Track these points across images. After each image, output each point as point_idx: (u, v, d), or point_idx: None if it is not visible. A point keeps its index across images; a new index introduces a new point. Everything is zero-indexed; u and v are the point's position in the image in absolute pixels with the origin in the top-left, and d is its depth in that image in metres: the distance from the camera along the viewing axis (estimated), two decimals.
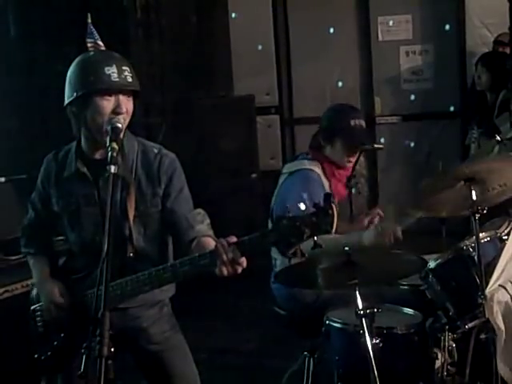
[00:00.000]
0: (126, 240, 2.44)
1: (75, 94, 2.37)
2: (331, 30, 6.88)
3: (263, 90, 6.93)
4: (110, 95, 2.34)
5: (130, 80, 2.38)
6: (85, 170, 2.46)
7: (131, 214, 2.43)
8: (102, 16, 5.79)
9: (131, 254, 2.45)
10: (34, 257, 2.68)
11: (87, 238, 2.50)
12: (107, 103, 2.34)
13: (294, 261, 3.19)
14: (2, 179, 4.71)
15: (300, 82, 6.99)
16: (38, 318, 2.63)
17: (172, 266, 2.29)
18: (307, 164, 3.34)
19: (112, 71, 2.33)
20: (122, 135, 2.33)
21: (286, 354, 4.01)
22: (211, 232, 2.47)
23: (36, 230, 2.69)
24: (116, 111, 2.34)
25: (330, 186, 3.35)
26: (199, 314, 5.10)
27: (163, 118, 5.95)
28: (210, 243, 2.31)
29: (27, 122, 5.21)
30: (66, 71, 2.46)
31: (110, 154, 2.14)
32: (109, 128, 2.26)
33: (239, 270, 2.12)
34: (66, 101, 2.42)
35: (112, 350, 1.83)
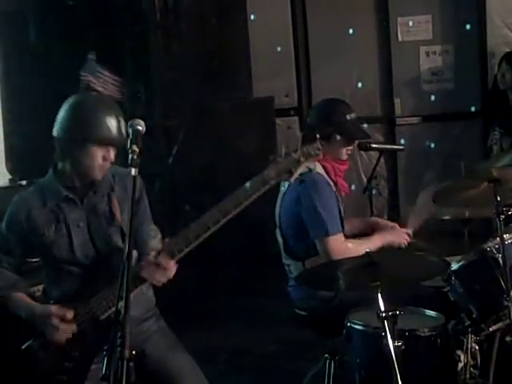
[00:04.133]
0: (116, 248, 2.61)
1: (71, 134, 2.55)
2: (350, 31, 6.84)
3: (282, 92, 6.92)
4: (106, 146, 2.55)
5: (123, 134, 2.53)
6: (72, 195, 2.62)
7: (119, 221, 2.63)
8: (122, 19, 5.83)
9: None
10: (11, 294, 2.63)
11: (80, 257, 2.61)
12: (100, 152, 2.55)
13: (308, 263, 3.25)
14: (24, 182, 4.74)
15: (319, 84, 6.96)
16: (40, 353, 2.55)
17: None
18: (308, 166, 3.31)
19: (111, 123, 2.53)
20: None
21: (307, 356, 4.00)
22: (160, 246, 2.55)
23: (7, 274, 2.67)
24: (105, 158, 2.56)
25: (336, 184, 3.35)
26: (220, 316, 5.10)
27: (182, 121, 5.95)
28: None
29: (47, 125, 5.23)
30: None
31: (130, 156, 2.15)
32: (130, 130, 2.26)
33: (168, 273, 2.42)
34: (58, 134, 2.59)
35: (133, 352, 1.84)
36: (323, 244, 3.21)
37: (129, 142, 2.21)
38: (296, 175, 2.47)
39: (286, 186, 3.38)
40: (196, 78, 6.14)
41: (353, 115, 3.38)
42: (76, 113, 2.57)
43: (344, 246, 3.18)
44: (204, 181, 5.67)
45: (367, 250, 2.58)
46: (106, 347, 1.92)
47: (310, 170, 3.28)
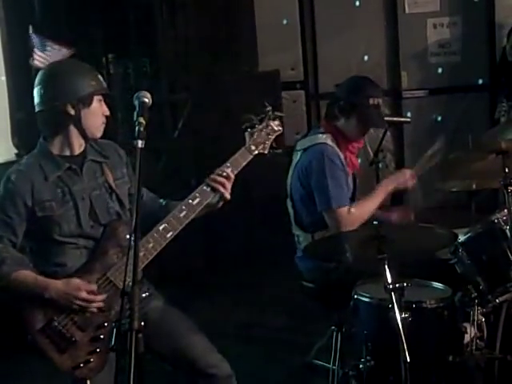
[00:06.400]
0: (117, 216, 2.68)
1: (71, 98, 2.57)
2: (357, 3, 6.77)
3: (288, 65, 6.87)
4: (102, 96, 2.66)
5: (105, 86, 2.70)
6: (73, 165, 2.64)
7: (114, 189, 2.70)
8: None
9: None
10: (20, 272, 2.54)
11: (87, 229, 2.62)
12: (100, 107, 2.65)
13: (317, 235, 3.26)
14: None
15: (325, 57, 6.91)
16: (64, 328, 2.51)
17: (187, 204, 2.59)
18: (320, 138, 3.33)
19: (98, 75, 2.68)
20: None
21: (314, 328, 4.02)
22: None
23: (12, 251, 2.60)
24: (104, 112, 2.67)
25: (345, 158, 3.35)
26: (227, 288, 5.13)
27: (188, 94, 5.93)
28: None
29: None
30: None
31: (137, 128, 2.13)
32: (136, 103, 2.25)
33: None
34: (48, 105, 2.59)
35: (142, 323, 1.84)
36: (330, 216, 3.22)
37: (135, 114, 2.20)
38: (267, 147, 2.79)
39: (299, 156, 3.38)
40: (202, 51, 6.11)
41: (377, 100, 3.33)
42: (62, 78, 2.60)
43: (350, 217, 3.17)
44: (210, 155, 5.66)
45: (375, 222, 2.59)
46: (114, 319, 1.93)
47: (322, 142, 3.28)
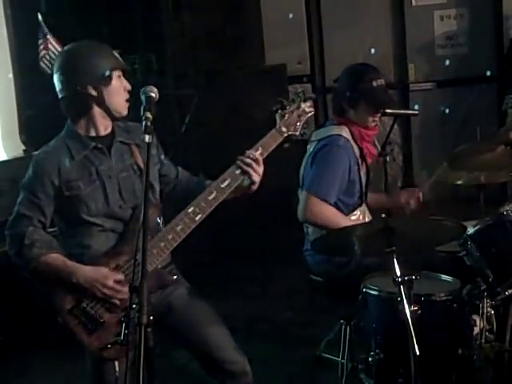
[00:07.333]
0: (150, 199, 2.60)
1: (90, 79, 2.56)
2: None
3: (295, 59, 6.87)
4: (121, 71, 2.63)
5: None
6: (100, 145, 2.62)
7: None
8: None
9: (158, 219, 2.62)
10: (49, 256, 2.53)
11: (115, 209, 2.60)
12: (121, 82, 2.62)
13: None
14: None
15: (332, 50, 6.90)
16: (92, 309, 2.51)
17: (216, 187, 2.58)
18: (335, 130, 3.33)
19: (112, 51, 2.66)
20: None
21: (322, 322, 4.02)
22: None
23: (42, 233, 2.59)
24: (125, 87, 2.63)
25: (362, 150, 3.34)
26: (237, 283, 5.14)
27: (195, 89, 5.93)
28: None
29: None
30: None
31: (144, 123, 2.14)
32: (143, 97, 2.25)
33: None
34: (70, 90, 2.59)
35: (151, 318, 1.85)
36: (303, 197, 3.24)
37: (142, 108, 2.20)
38: (299, 128, 2.75)
39: (313, 146, 3.37)
40: (208, 46, 6.10)
41: (380, 81, 3.34)
42: (79, 61, 2.59)
43: (315, 208, 3.19)
44: (217, 149, 5.66)
45: (383, 215, 2.58)
46: (123, 313, 1.93)
47: (336, 134, 3.28)
